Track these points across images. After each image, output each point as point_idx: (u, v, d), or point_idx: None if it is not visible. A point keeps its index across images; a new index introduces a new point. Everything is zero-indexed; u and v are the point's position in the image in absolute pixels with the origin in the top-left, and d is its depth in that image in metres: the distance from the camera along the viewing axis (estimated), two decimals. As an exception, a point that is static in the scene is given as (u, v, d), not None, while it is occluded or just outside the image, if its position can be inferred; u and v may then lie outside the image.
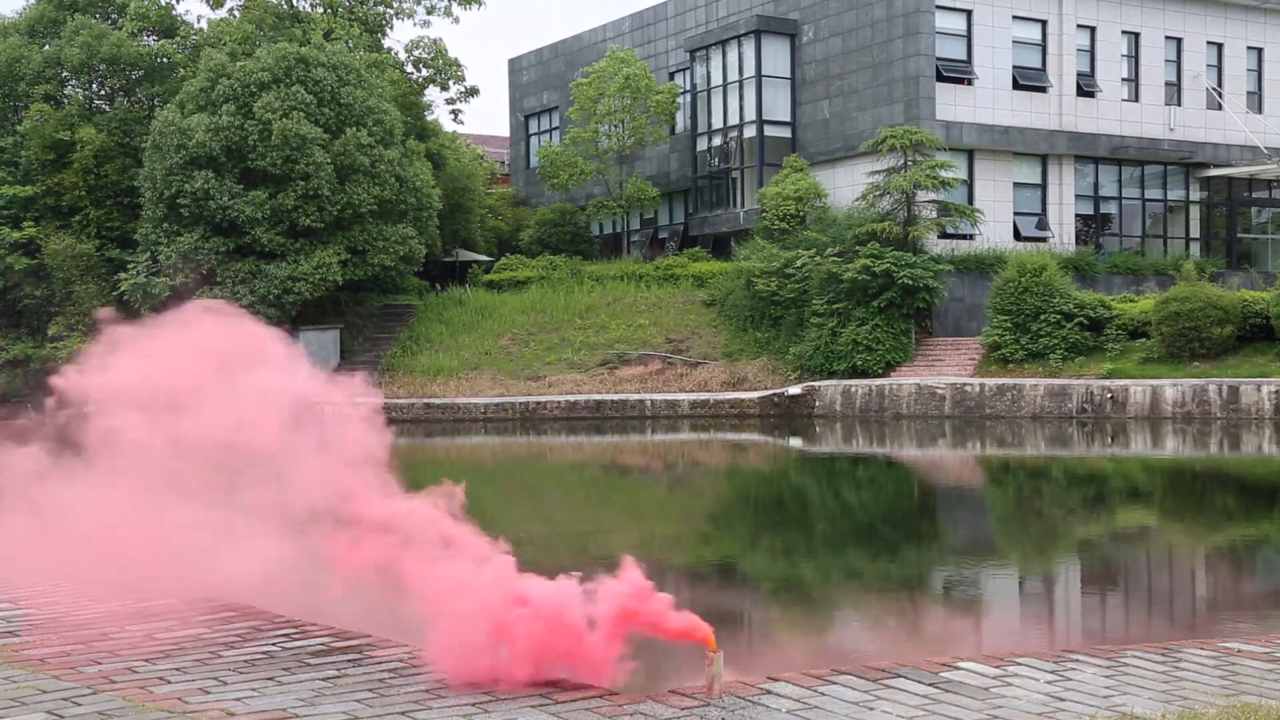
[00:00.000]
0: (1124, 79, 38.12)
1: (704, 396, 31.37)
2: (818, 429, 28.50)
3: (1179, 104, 38.89)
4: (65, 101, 39.82)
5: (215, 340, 6.35)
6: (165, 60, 39.99)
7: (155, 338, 6.51)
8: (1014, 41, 36.26)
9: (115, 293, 35.53)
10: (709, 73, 39.75)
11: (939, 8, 35.03)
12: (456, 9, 45.21)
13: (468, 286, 39.93)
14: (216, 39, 39.50)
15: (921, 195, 33.50)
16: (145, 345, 6.48)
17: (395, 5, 45.09)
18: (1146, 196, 39.23)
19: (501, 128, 74.85)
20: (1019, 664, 5.91)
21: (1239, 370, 26.97)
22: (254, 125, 33.79)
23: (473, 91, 46.75)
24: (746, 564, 12.62)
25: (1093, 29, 37.37)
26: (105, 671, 5.74)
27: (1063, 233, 36.88)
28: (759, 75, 37.99)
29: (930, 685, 5.47)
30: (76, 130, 37.76)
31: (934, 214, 33.66)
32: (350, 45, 40.84)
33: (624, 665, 5.48)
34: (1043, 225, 36.69)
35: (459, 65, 45.15)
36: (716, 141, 39.77)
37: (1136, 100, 38.26)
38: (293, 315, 34.70)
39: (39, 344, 37.33)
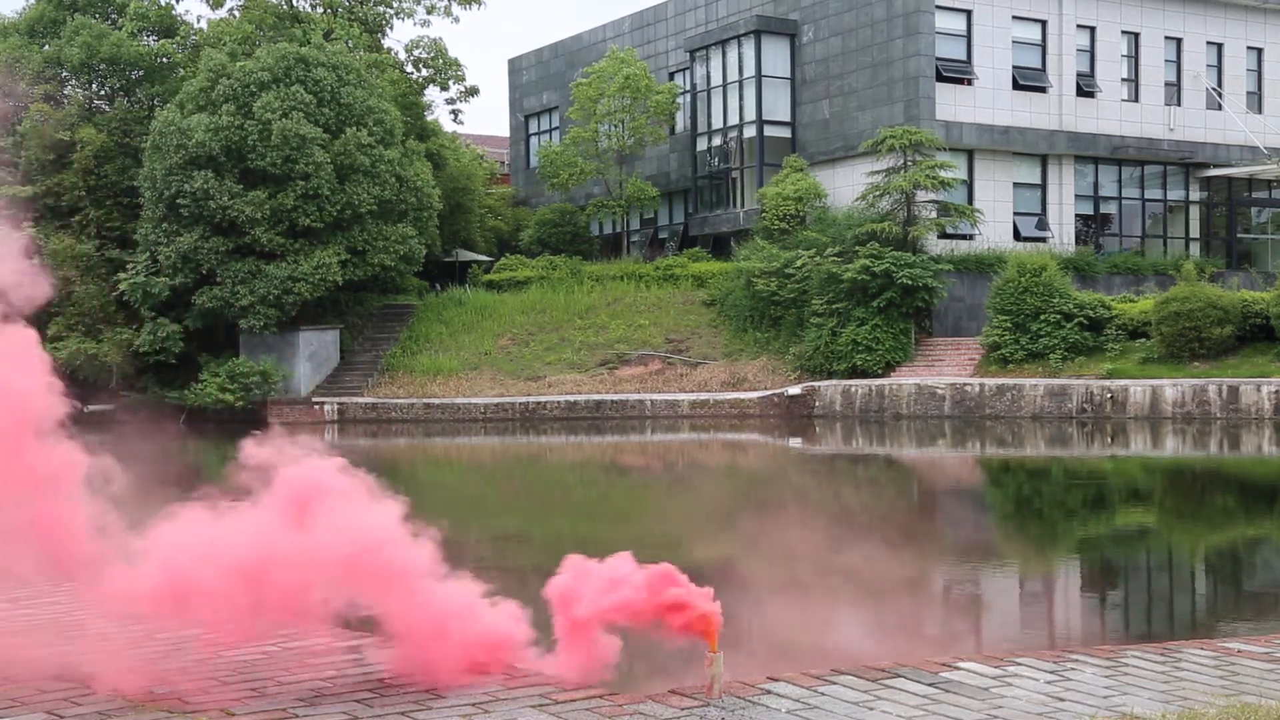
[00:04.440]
0: (1124, 79, 38.11)
1: (704, 396, 31.37)
2: (818, 429, 28.49)
3: (1179, 104, 38.87)
4: (65, 101, 39.78)
5: None
6: (165, 60, 39.96)
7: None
8: (1014, 41, 36.24)
9: (115, 293, 35.53)
10: (709, 73, 39.73)
11: (939, 8, 35.02)
12: (456, 9, 45.18)
13: (468, 286, 39.91)
14: (216, 39, 39.48)
15: (921, 195, 33.49)
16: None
17: (395, 5, 45.05)
18: (1146, 196, 39.21)
19: (501, 128, 74.81)
20: (1019, 664, 5.91)
21: (1239, 370, 26.96)
22: (254, 125, 33.77)
23: (473, 91, 46.73)
24: (746, 564, 12.61)
25: (1092, 29, 37.35)
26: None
27: (1062, 233, 36.87)
28: (759, 75, 37.98)
29: (930, 685, 5.47)
30: (76, 130, 37.71)
31: (934, 214, 33.65)
32: (350, 45, 40.81)
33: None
34: (1042, 225, 36.67)
35: (459, 65, 45.10)
36: (716, 141, 39.75)
37: (1136, 100, 38.24)
38: (293, 315, 34.70)
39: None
